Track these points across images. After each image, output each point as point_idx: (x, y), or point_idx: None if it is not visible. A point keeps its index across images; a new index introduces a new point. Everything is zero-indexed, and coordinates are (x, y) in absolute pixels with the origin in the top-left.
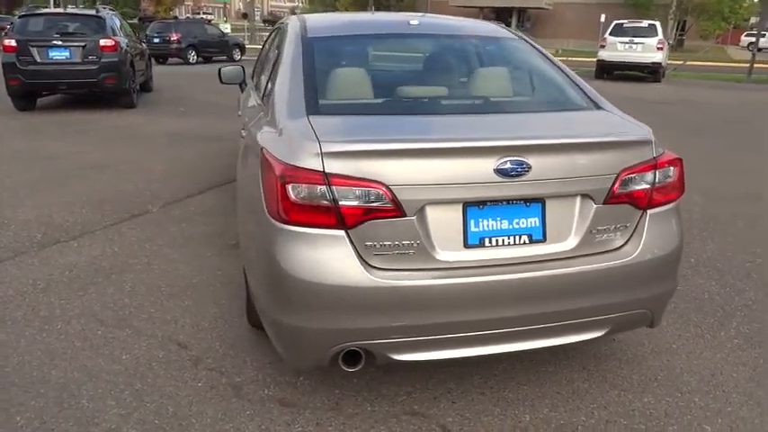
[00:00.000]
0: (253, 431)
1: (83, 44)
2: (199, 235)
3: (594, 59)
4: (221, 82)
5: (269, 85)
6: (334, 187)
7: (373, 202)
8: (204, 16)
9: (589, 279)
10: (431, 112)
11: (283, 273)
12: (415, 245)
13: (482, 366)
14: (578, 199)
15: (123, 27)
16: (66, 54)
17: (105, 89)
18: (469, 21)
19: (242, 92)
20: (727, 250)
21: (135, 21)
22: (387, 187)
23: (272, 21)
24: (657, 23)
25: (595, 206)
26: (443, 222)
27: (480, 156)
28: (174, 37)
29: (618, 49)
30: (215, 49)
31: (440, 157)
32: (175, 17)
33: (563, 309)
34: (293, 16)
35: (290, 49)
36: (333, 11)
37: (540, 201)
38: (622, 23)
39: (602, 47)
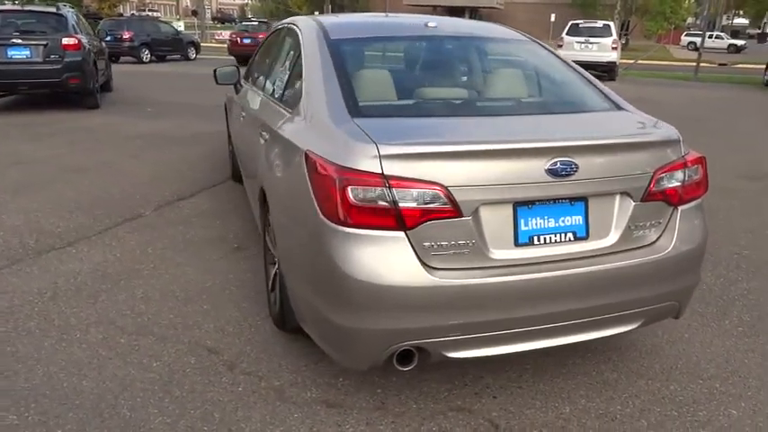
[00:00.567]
0: None
1: (44, 43)
2: (200, 238)
3: None
4: (217, 83)
5: (289, 88)
6: (393, 189)
7: (432, 203)
8: (150, 13)
9: (628, 273)
10: (468, 114)
11: (343, 275)
12: (470, 244)
13: (513, 362)
14: (618, 197)
15: (83, 25)
16: (27, 53)
17: (69, 90)
18: (480, 23)
19: (236, 93)
20: (714, 243)
21: None
22: (445, 188)
23: (222, 19)
24: (611, 23)
25: (633, 203)
26: (495, 222)
27: (533, 157)
28: (127, 35)
29: (575, 49)
30: (169, 47)
31: (495, 159)
32: (120, 14)
33: (605, 302)
34: (302, 18)
35: (315, 52)
36: (284, 8)
37: (583, 199)
38: (578, 24)
39: (560, 46)
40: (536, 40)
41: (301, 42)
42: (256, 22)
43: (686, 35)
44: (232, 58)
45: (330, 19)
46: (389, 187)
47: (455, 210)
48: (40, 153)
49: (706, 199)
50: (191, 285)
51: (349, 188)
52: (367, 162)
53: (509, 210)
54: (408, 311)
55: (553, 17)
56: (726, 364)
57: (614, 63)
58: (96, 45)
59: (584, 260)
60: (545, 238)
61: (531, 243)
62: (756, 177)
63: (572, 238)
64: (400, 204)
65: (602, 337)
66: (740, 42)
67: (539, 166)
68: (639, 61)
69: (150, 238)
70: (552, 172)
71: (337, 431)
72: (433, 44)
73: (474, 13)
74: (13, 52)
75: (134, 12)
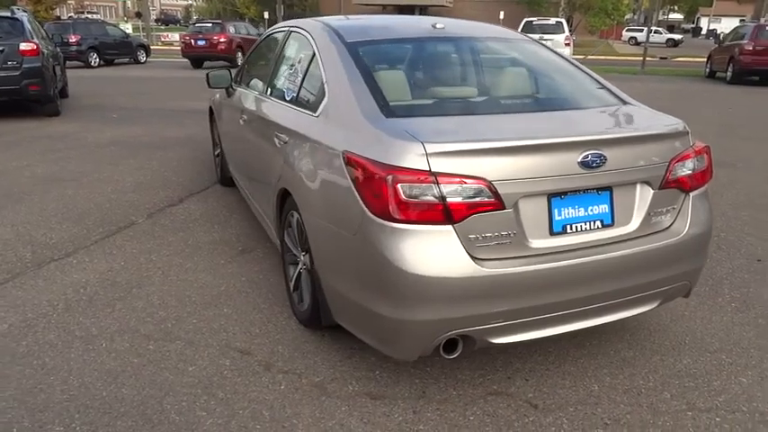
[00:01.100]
0: (356, 425)
1: (0, 49)
2: (203, 244)
3: None
4: (209, 86)
5: (305, 90)
6: (441, 185)
7: (477, 196)
8: (89, 16)
9: (649, 256)
10: (493, 111)
11: (396, 269)
12: (511, 235)
13: (537, 347)
14: (638, 186)
15: (38, 29)
16: None
17: (29, 97)
18: (485, 24)
19: (228, 96)
20: None
21: None
22: (488, 182)
23: (166, 20)
24: (564, 20)
25: (653, 191)
26: (532, 212)
27: (568, 150)
28: (73, 39)
29: None
30: (117, 50)
31: (533, 153)
32: (58, 17)
33: (630, 285)
34: (306, 21)
35: (333, 55)
36: (232, 9)
37: (608, 189)
38: (532, 21)
39: None
40: (535, 40)
41: (314, 45)
42: (210, 24)
43: (627, 30)
44: (186, 60)
45: (338, 22)
46: (437, 183)
47: (498, 202)
48: (10, 163)
49: None
50: (205, 290)
51: (399, 185)
52: (416, 160)
53: (544, 201)
54: (457, 301)
55: (502, 14)
56: (727, 338)
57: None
58: (52, 50)
59: (611, 245)
60: (576, 227)
61: (564, 232)
62: (726, 163)
63: (600, 226)
64: (448, 199)
65: (619, 319)
66: (677, 37)
67: (572, 159)
68: (589, 57)
69: (151, 245)
70: (584, 164)
71: (387, 421)
72: (447, 45)
73: (423, 11)
74: None
75: (72, 14)
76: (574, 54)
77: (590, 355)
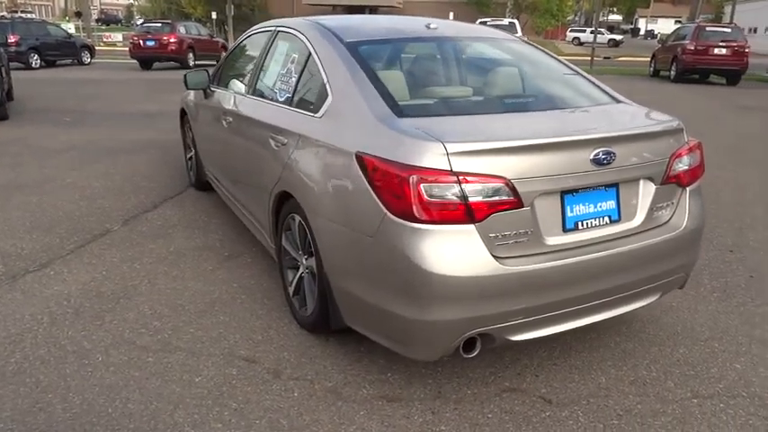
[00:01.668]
0: (378, 428)
1: None
2: (186, 250)
3: None
4: (187, 88)
5: (302, 91)
6: (463, 184)
7: (497, 195)
8: (24, 15)
9: (654, 249)
10: (501, 111)
11: (419, 269)
12: (529, 233)
13: (541, 343)
14: (642, 182)
15: None
16: None
17: None
18: (470, 25)
19: (205, 97)
20: None
21: None
22: (508, 181)
23: (107, 20)
24: (516, 21)
25: (655, 187)
26: (547, 210)
27: (581, 148)
28: (12, 39)
29: None
30: (60, 51)
31: (549, 151)
32: None
33: (637, 278)
34: (296, 20)
35: (333, 55)
36: (177, 9)
37: (615, 185)
38: (486, 21)
39: None
40: (526, 40)
41: (310, 45)
42: (160, 24)
43: (571, 31)
44: (135, 61)
45: (331, 22)
46: (459, 183)
47: (517, 201)
48: None
49: None
50: (197, 298)
51: (422, 185)
52: (437, 159)
53: (557, 198)
54: (480, 300)
55: (452, 15)
56: (715, 326)
57: None
58: None
59: (619, 240)
60: (587, 223)
61: (576, 228)
62: None
63: (608, 222)
64: (470, 198)
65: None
66: (618, 37)
67: (584, 157)
68: None
69: (132, 253)
70: (596, 161)
71: (408, 423)
72: (445, 45)
73: (373, 11)
74: None
75: (4, 13)
76: None
77: (592, 348)
